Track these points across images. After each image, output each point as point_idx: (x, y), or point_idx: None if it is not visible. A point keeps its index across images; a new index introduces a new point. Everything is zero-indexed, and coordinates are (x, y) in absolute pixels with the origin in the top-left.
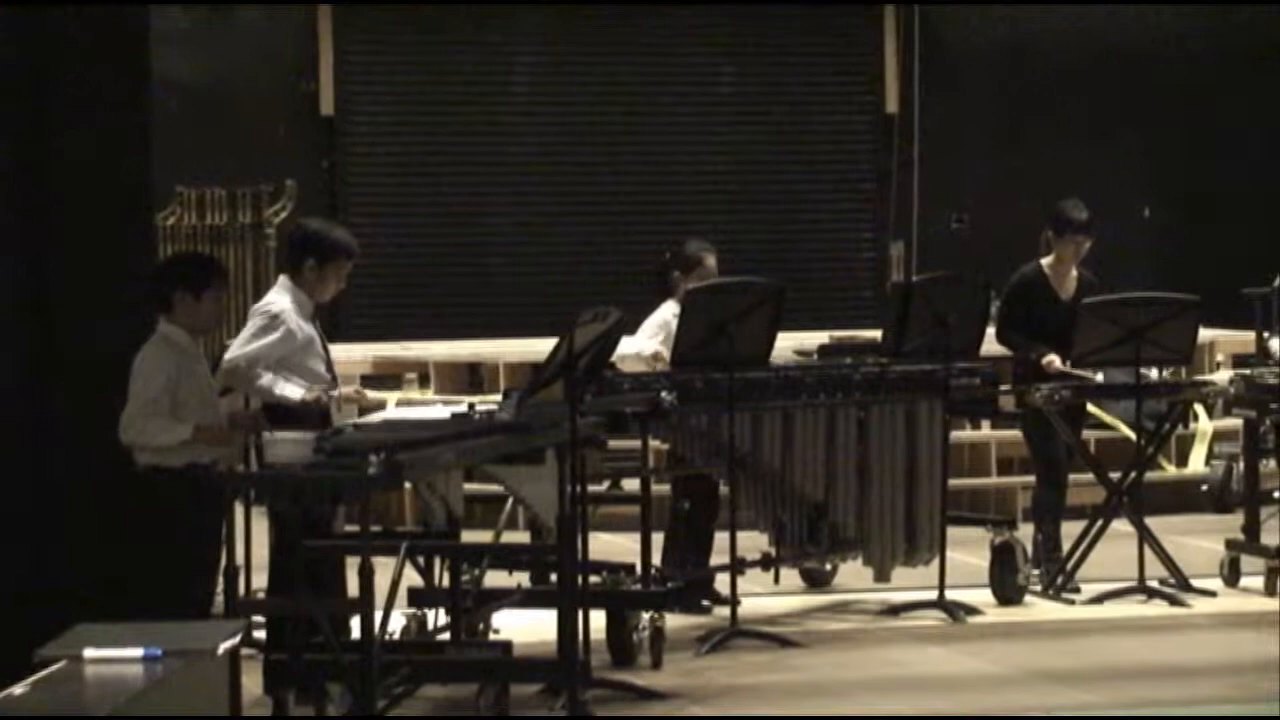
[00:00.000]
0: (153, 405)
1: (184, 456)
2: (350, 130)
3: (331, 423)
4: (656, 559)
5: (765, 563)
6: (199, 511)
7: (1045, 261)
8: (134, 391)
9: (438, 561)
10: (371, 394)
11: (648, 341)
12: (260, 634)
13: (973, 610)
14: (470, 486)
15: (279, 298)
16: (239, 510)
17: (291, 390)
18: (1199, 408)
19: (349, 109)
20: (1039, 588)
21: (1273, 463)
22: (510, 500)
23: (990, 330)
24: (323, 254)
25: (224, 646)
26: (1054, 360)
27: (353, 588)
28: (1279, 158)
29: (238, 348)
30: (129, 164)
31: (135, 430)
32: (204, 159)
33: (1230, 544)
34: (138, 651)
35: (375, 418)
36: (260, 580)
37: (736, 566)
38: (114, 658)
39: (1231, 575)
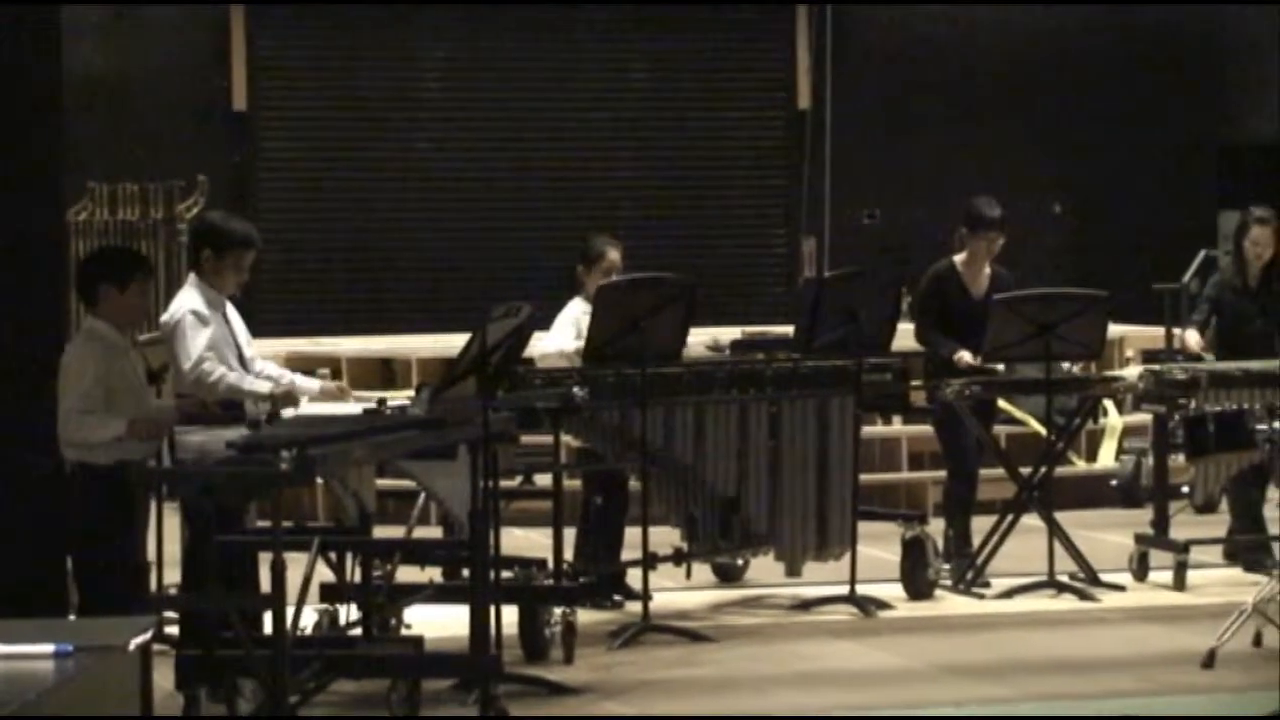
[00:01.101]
0: (85, 401)
1: (114, 454)
2: (262, 126)
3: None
4: (568, 554)
5: (677, 558)
6: (122, 509)
7: (958, 258)
8: (64, 389)
9: (350, 557)
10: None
11: (572, 340)
12: (173, 630)
13: (884, 605)
14: (382, 482)
15: (189, 297)
16: (151, 507)
17: (259, 385)
18: (1108, 403)
19: (261, 105)
20: (949, 582)
21: (1181, 458)
22: (422, 496)
23: (902, 325)
24: (219, 245)
25: (135, 642)
26: (965, 356)
27: (265, 583)
28: (1188, 156)
29: (188, 358)
30: (39, 159)
31: (72, 427)
32: (116, 154)
33: (1139, 538)
34: (48, 648)
35: (287, 414)
36: (172, 576)
37: (648, 562)
38: (23, 654)
39: (1140, 569)
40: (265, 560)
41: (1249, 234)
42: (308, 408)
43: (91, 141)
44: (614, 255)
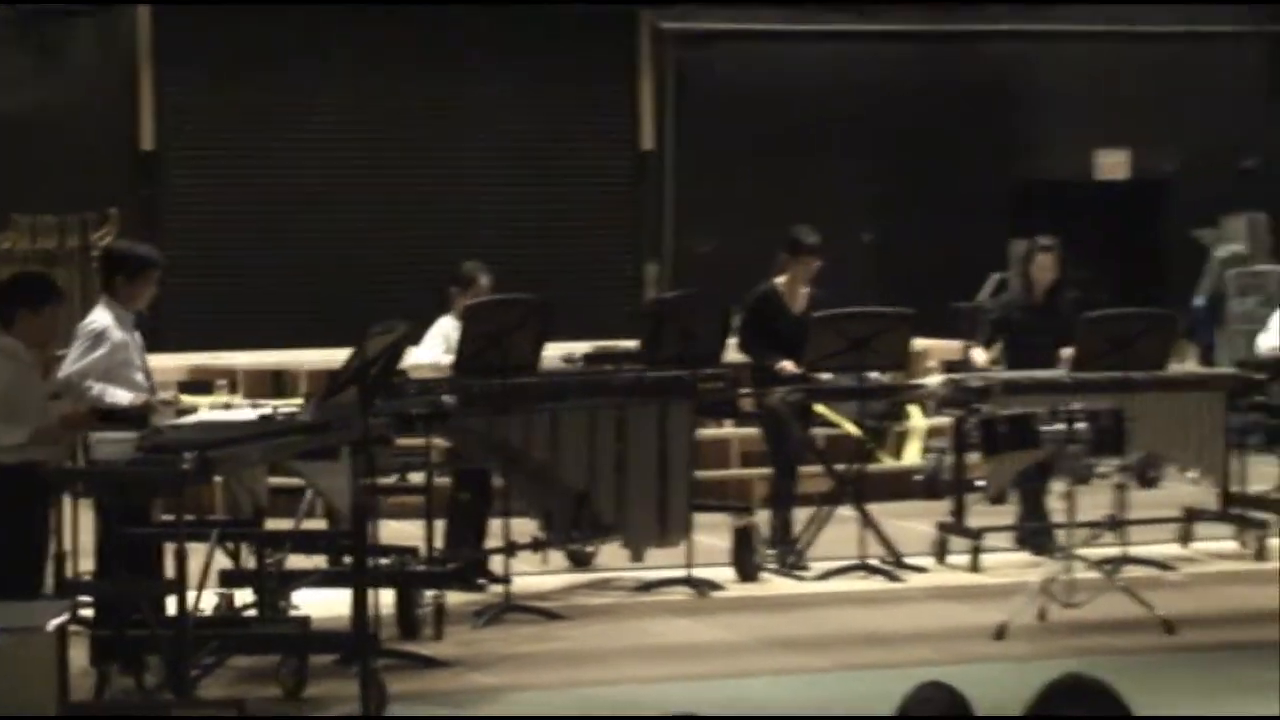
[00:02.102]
0: None
1: (19, 456)
2: (168, 164)
3: (151, 424)
4: (439, 543)
5: (535, 545)
6: (31, 504)
7: (780, 280)
8: None
9: (245, 547)
10: (186, 398)
11: (442, 354)
12: (87, 612)
13: (716, 586)
14: (274, 480)
15: (100, 315)
16: (67, 502)
17: (121, 397)
18: (913, 408)
19: (166, 145)
20: (774, 566)
21: (976, 455)
22: (309, 491)
23: (732, 340)
24: (130, 269)
25: (53, 624)
26: (788, 366)
27: (169, 570)
28: (982, 191)
29: (69, 365)
30: None
31: None
32: (37, 189)
33: (940, 526)
34: None
35: (190, 419)
36: (86, 564)
37: (509, 549)
38: None
39: (940, 553)
40: (169, 550)
41: (1035, 260)
42: (207, 414)
43: (14, 177)
44: (484, 280)
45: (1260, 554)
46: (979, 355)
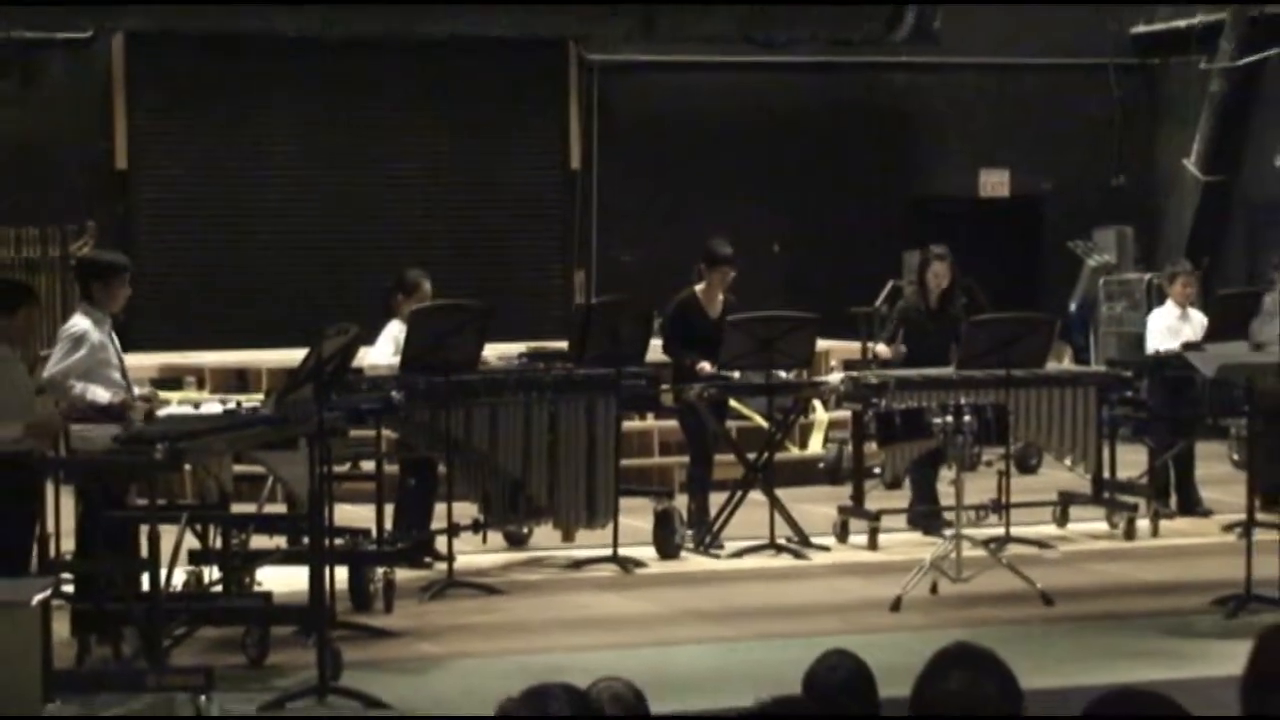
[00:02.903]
0: None
1: (12, 447)
2: (139, 181)
3: (128, 419)
4: (389, 525)
5: (475, 527)
6: (23, 491)
7: (698, 287)
8: None
9: (212, 528)
10: (161, 394)
11: (391, 354)
12: (68, 588)
13: (640, 564)
14: (238, 468)
15: (80, 320)
16: (50, 488)
17: (100, 395)
18: (817, 402)
19: (138, 164)
20: (692, 545)
21: (874, 445)
22: (270, 479)
23: (655, 341)
24: (105, 275)
25: (37, 598)
26: (705, 366)
27: (143, 550)
28: (880, 205)
29: (52, 366)
30: None
31: None
32: (21, 203)
33: (841, 509)
34: None
35: (162, 414)
36: (68, 544)
37: (452, 530)
38: None
39: (842, 534)
40: (144, 531)
41: (930, 268)
42: (177, 409)
43: (0, 193)
44: (427, 286)
45: (1129, 534)
46: (883, 349)
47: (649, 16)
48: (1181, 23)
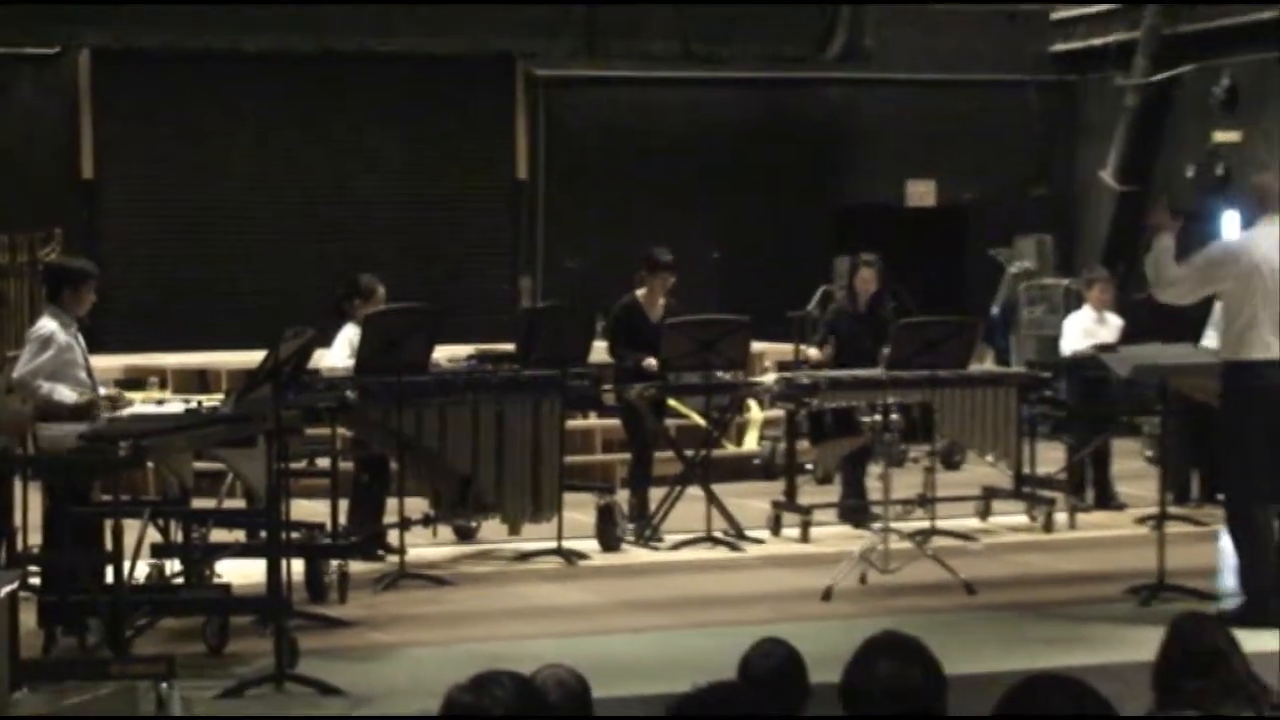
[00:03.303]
0: None
1: None
2: (105, 190)
3: (94, 418)
4: (343, 519)
5: (426, 521)
6: None
7: (640, 292)
8: None
9: (173, 523)
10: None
11: (346, 356)
12: (35, 581)
13: (583, 556)
14: (199, 465)
15: (47, 323)
16: (18, 484)
17: (66, 395)
18: (752, 401)
19: (104, 174)
20: (632, 539)
21: (806, 442)
22: (230, 475)
23: (598, 344)
24: (73, 281)
25: (5, 590)
26: (650, 361)
27: (108, 543)
28: (812, 214)
29: (21, 367)
30: None
31: None
32: None
33: (775, 504)
34: None
35: (125, 413)
36: (35, 538)
37: (404, 524)
38: None
39: (776, 527)
40: (108, 526)
41: (859, 274)
42: (141, 408)
43: None
44: (381, 291)
45: (1048, 526)
46: (814, 352)
47: (593, 35)
48: (1098, 41)
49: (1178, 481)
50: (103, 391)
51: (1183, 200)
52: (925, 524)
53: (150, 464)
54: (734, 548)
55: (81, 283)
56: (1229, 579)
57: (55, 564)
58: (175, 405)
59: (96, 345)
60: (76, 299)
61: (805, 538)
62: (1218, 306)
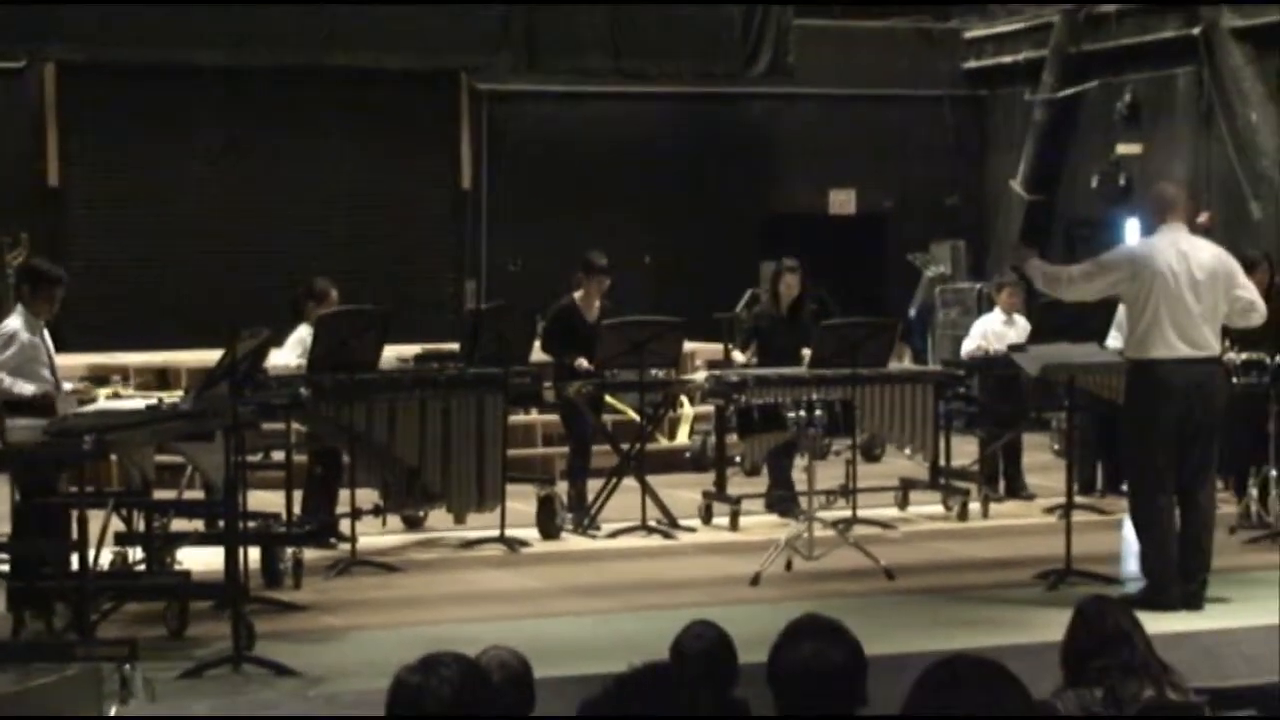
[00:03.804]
0: None
1: None
2: (70, 197)
3: (58, 412)
4: (297, 509)
5: (376, 511)
6: None
7: (577, 294)
8: None
9: (136, 513)
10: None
11: (298, 356)
12: (4, 567)
13: (525, 544)
14: (160, 458)
15: (13, 322)
16: None
17: (25, 388)
18: (684, 398)
19: (69, 182)
20: (571, 527)
21: (735, 436)
22: (189, 467)
23: (537, 344)
24: (35, 283)
25: None
26: (581, 361)
27: (73, 532)
28: (739, 221)
29: None
30: None
31: None
32: None
33: (706, 494)
34: None
35: (90, 408)
36: (3, 528)
37: (355, 514)
38: None
39: (706, 516)
40: (73, 516)
41: (782, 279)
42: (104, 404)
43: None
44: (334, 293)
45: (962, 516)
46: (738, 355)
47: (533, 51)
48: (1008, 59)
49: (1084, 473)
50: (69, 386)
51: (1085, 208)
52: (847, 513)
53: (114, 457)
54: (667, 536)
55: (50, 286)
56: (1132, 564)
57: (23, 552)
58: (137, 401)
59: (62, 344)
60: (44, 301)
61: (734, 526)
62: (1121, 309)
